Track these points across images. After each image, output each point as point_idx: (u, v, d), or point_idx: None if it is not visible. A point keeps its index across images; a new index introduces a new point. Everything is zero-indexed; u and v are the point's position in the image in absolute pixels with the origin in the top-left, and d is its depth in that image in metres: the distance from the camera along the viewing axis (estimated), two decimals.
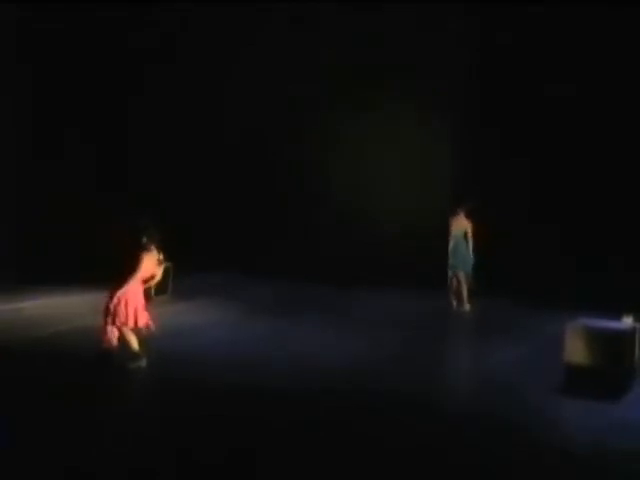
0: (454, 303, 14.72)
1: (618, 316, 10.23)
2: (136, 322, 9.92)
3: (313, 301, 14.84)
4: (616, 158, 15.24)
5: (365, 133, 17.15)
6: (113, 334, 9.93)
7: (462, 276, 14.61)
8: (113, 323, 9.86)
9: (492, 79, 16.10)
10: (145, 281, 10.11)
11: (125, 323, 9.85)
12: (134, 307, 9.88)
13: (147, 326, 10.05)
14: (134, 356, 9.91)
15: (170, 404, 8.85)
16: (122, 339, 9.94)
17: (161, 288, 13.81)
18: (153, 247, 9.99)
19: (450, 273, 14.71)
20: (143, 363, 9.92)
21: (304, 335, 12.19)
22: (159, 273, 10.20)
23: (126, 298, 9.83)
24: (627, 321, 10.02)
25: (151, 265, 10.01)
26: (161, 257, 10.11)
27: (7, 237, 16.22)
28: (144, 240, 9.89)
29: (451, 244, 14.58)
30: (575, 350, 9.53)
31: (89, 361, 9.92)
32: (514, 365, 10.88)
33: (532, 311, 14.05)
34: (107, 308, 9.89)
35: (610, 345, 9.48)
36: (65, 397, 8.77)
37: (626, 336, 9.64)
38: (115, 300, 9.80)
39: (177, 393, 9.18)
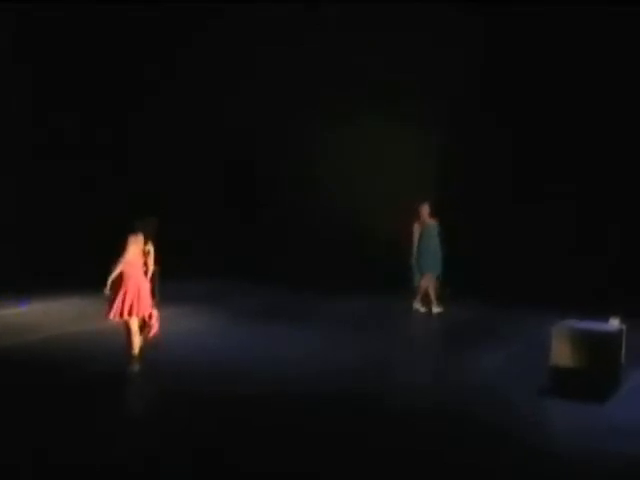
0: (422, 307, 14.31)
1: (604, 317, 10.14)
2: (131, 312, 9.74)
3: (305, 307, 14.75)
4: (616, 158, 15.20)
5: (361, 135, 17.12)
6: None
7: (431, 278, 14.21)
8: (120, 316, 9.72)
9: (493, 81, 16.08)
10: (146, 269, 9.95)
11: (121, 315, 9.70)
12: (132, 297, 9.71)
13: (148, 317, 9.92)
14: (130, 360, 9.83)
15: (159, 408, 8.93)
16: (126, 337, 9.83)
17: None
18: (141, 235, 9.81)
19: (425, 275, 14.20)
20: (135, 368, 9.81)
21: (296, 340, 12.15)
22: (148, 263, 9.98)
23: (125, 289, 9.69)
24: (614, 323, 9.92)
25: (137, 251, 9.79)
26: (148, 248, 9.90)
27: (6, 237, 16.22)
28: (136, 224, 9.79)
29: (422, 245, 14.06)
30: (562, 352, 9.48)
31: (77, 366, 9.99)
32: (501, 367, 10.86)
33: (518, 312, 14.04)
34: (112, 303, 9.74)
35: (597, 347, 9.42)
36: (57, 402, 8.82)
37: (613, 338, 9.57)
38: (116, 293, 9.68)
39: (165, 397, 9.21)
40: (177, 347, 11.28)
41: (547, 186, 15.76)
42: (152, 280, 10.25)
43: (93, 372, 9.86)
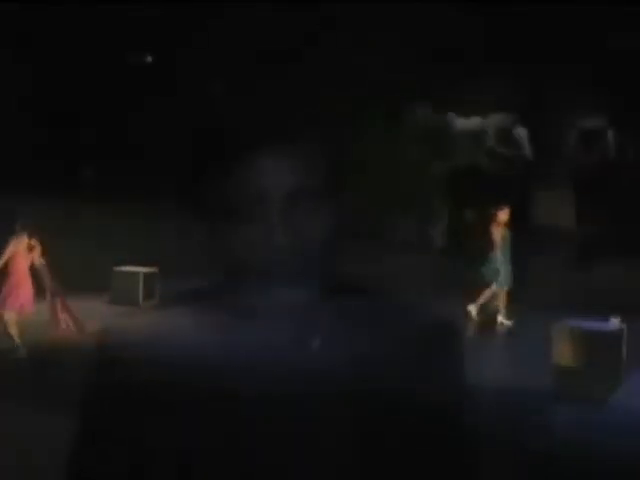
0: (507, 320, 13.20)
1: (606, 316, 10.14)
2: (7, 305, 10.12)
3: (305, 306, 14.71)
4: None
5: (361, 135, 17.11)
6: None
7: (502, 290, 13.21)
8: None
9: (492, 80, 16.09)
10: (31, 267, 10.34)
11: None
12: (9, 291, 10.12)
13: (18, 310, 10.21)
14: (13, 345, 10.10)
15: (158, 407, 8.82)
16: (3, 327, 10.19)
17: (148, 293, 13.79)
18: (23, 234, 10.19)
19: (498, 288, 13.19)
20: (23, 354, 10.03)
21: (297, 339, 12.11)
22: (34, 257, 10.35)
23: (7, 285, 10.13)
24: (614, 322, 9.91)
25: (19, 250, 10.17)
26: (32, 243, 10.29)
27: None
28: (17, 226, 10.18)
29: (499, 254, 13.04)
30: (562, 352, 9.47)
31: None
32: (502, 367, 10.89)
33: (519, 311, 14.03)
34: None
35: (597, 347, 9.41)
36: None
37: (613, 337, 9.57)
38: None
39: (165, 396, 9.12)
40: (179, 344, 11.22)
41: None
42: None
43: (86, 368, 9.83)
